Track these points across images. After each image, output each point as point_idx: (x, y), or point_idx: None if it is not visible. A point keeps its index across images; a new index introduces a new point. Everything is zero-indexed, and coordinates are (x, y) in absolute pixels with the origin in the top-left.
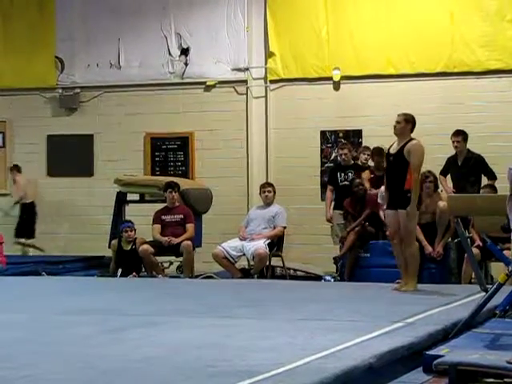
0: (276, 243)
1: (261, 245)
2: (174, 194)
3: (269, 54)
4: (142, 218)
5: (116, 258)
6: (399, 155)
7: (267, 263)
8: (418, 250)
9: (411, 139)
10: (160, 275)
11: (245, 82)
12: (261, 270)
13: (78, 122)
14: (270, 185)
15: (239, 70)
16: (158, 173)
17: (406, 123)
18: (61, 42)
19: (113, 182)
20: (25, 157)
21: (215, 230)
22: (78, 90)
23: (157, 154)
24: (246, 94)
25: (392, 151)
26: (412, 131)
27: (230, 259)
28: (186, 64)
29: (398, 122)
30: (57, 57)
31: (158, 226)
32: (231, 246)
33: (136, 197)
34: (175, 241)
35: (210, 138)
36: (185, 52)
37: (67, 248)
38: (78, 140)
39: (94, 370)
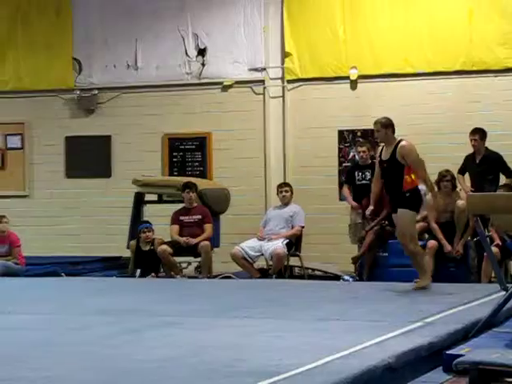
0: (294, 243)
1: (279, 245)
2: (191, 194)
3: (286, 54)
4: (160, 219)
5: (134, 259)
6: (392, 160)
7: (285, 263)
8: (416, 246)
9: (398, 141)
10: (178, 275)
11: (262, 81)
12: (279, 269)
13: (96, 123)
14: (288, 185)
15: (256, 70)
16: (175, 173)
17: (386, 128)
18: (78, 43)
19: (131, 183)
20: (43, 158)
21: (233, 231)
22: (96, 92)
23: (174, 154)
24: (263, 93)
25: (384, 158)
26: (394, 133)
27: (249, 259)
28: (203, 64)
29: (377, 131)
30: (74, 58)
31: (176, 227)
32: (249, 246)
33: (154, 197)
34: (193, 241)
35: (227, 138)
36: (202, 52)
37: (86, 249)
38: (96, 141)
39: (112, 370)
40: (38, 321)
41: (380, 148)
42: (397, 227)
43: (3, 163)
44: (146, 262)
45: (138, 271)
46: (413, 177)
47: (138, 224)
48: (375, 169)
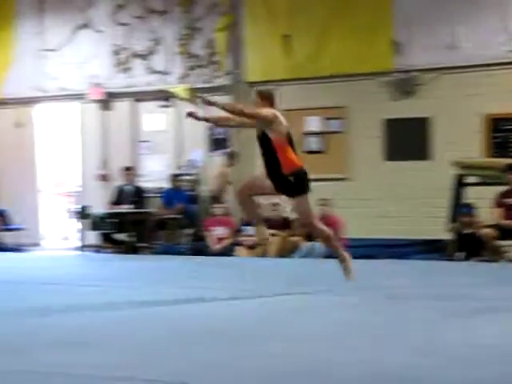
0: None
1: None
2: None
3: None
4: (483, 201)
5: (455, 242)
6: (262, 136)
7: None
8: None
9: None
10: (502, 260)
11: None
12: None
13: (415, 105)
14: None
15: None
16: (496, 155)
17: (262, 100)
18: (398, 25)
19: (450, 165)
20: (361, 141)
21: None
22: (415, 73)
23: (496, 135)
24: None
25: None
26: (273, 106)
27: None
28: None
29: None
30: (393, 41)
31: (499, 210)
32: None
33: (475, 179)
34: None
35: None
36: None
37: (405, 231)
38: (415, 123)
39: (437, 356)
40: (350, 301)
41: None
42: (299, 215)
43: (325, 147)
44: (467, 245)
45: (460, 254)
46: (291, 155)
47: (458, 207)
48: None
